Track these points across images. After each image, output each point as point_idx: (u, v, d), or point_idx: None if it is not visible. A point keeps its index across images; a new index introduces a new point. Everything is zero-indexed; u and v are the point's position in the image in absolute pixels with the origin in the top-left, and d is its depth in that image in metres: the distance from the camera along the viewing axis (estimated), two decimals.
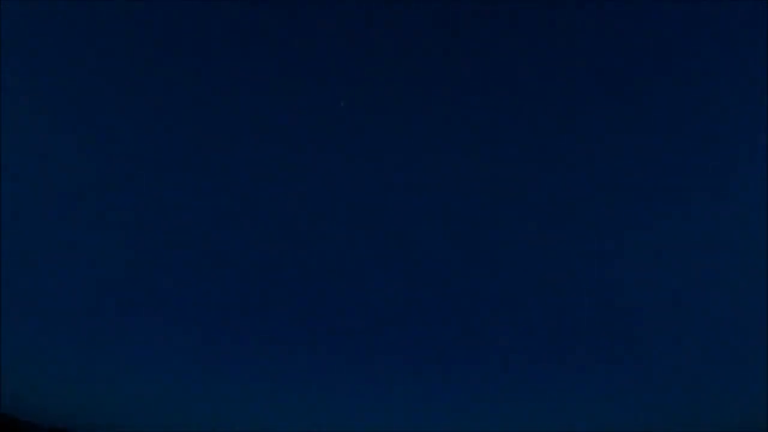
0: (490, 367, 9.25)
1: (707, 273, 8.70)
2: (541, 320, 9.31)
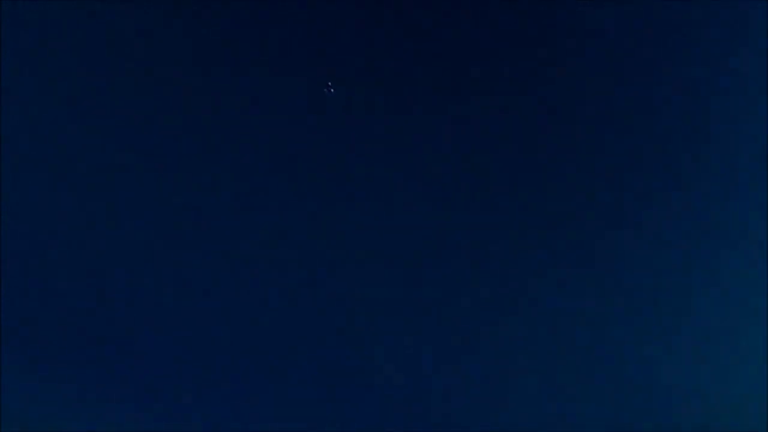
0: (490, 366, 9.07)
1: (706, 272, 8.62)
2: (538, 317, 9.21)
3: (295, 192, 9.18)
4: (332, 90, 8.17)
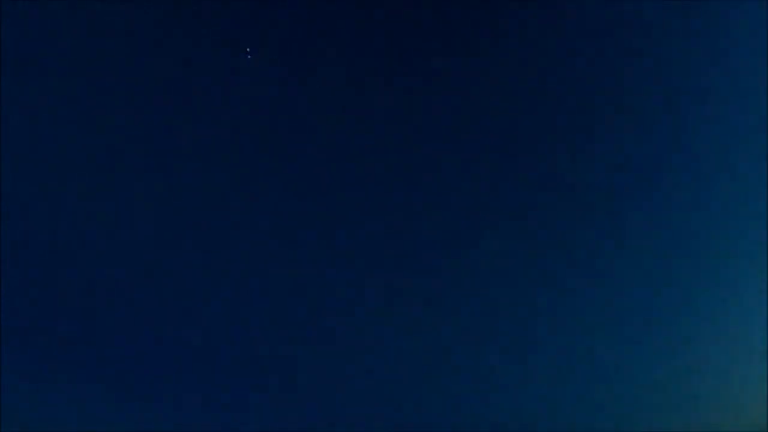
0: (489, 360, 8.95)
1: (706, 271, 8.55)
2: (539, 317, 9.11)
3: (295, 191, 9.15)
4: (249, 56, 7.61)
